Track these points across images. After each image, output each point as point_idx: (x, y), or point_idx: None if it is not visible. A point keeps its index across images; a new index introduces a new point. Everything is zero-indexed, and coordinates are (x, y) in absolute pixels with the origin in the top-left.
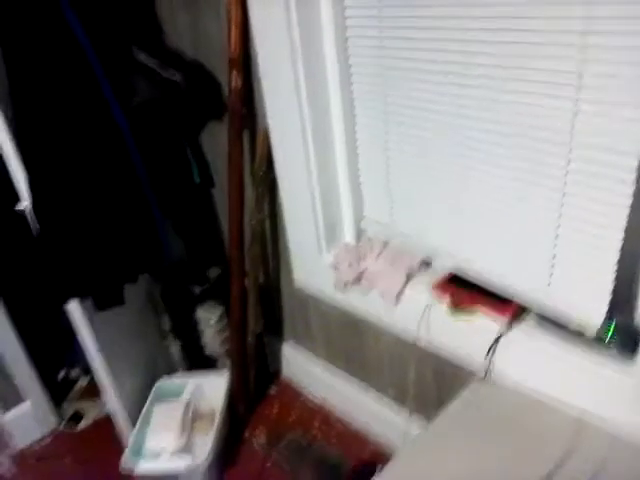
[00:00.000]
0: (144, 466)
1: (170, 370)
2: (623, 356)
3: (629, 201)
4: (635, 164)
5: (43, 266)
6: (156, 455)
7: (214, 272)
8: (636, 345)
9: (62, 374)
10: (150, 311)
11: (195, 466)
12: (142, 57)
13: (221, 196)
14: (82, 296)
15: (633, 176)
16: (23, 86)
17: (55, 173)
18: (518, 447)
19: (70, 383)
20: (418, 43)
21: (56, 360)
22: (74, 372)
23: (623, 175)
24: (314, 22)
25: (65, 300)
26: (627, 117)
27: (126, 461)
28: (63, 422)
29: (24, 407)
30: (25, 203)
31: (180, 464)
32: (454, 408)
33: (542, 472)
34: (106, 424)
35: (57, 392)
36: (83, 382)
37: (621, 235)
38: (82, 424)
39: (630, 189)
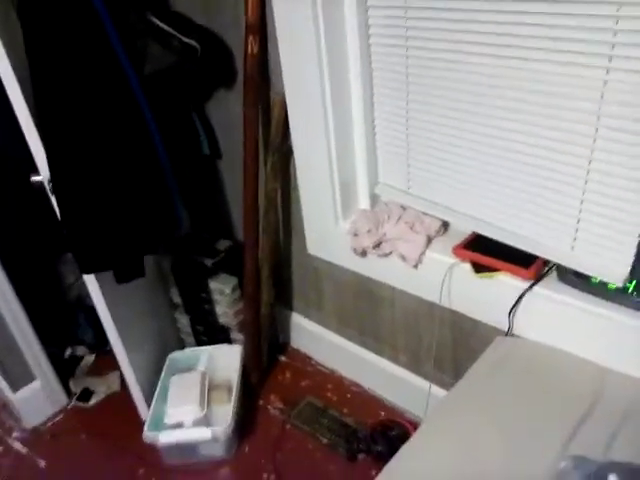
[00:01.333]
0: (166, 438)
1: (180, 344)
2: None
3: None
4: None
5: (65, 240)
6: (177, 426)
7: (222, 244)
8: None
9: (68, 352)
10: (160, 285)
11: (217, 435)
12: (157, 22)
13: (228, 167)
14: (104, 269)
15: None
16: (40, 54)
17: (73, 145)
18: (546, 400)
19: (76, 360)
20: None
21: (62, 338)
22: (80, 349)
23: None
24: None
25: (88, 272)
26: None
27: (147, 434)
28: (73, 399)
29: (34, 385)
30: (42, 176)
31: (202, 434)
32: (479, 367)
33: (571, 422)
34: (117, 399)
35: (64, 370)
36: (89, 359)
37: None
38: (93, 400)
39: None
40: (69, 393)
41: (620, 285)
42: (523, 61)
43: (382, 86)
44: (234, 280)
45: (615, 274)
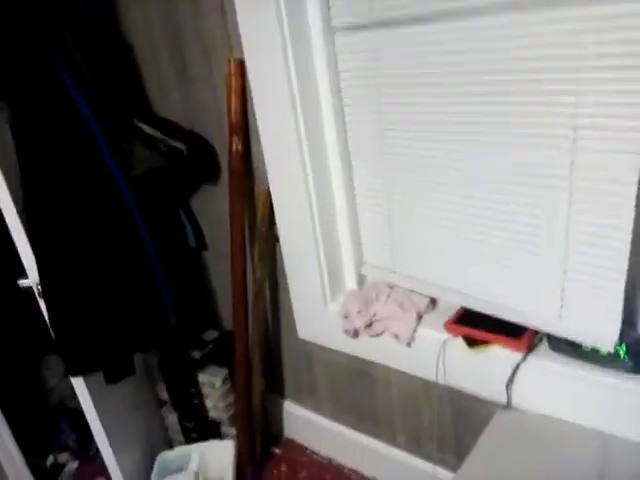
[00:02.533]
0: None
1: (168, 443)
2: (638, 371)
3: (631, 224)
4: (634, 194)
5: (53, 342)
6: None
7: (210, 335)
8: None
9: (50, 460)
10: (146, 382)
11: None
12: (144, 127)
13: (214, 258)
14: (94, 370)
15: (633, 202)
16: (30, 161)
17: (63, 249)
18: (553, 473)
19: (59, 468)
20: (417, 88)
21: (43, 445)
22: (62, 457)
23: (625, 201)
24: (312, 86)
25: (77, 374)
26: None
27: None
28: None
29: None
30: (30, 280)
31: None
32: (482, 444)
33: None
34: None
35: (46, 479)
36: (73, 466)
37: (627, 261)
38: None
39: (631, 212)
40: None
41: (610, 350)
42: (498, 146)
43: (362, 173)
44: (224, 371)
45: (605, 339)
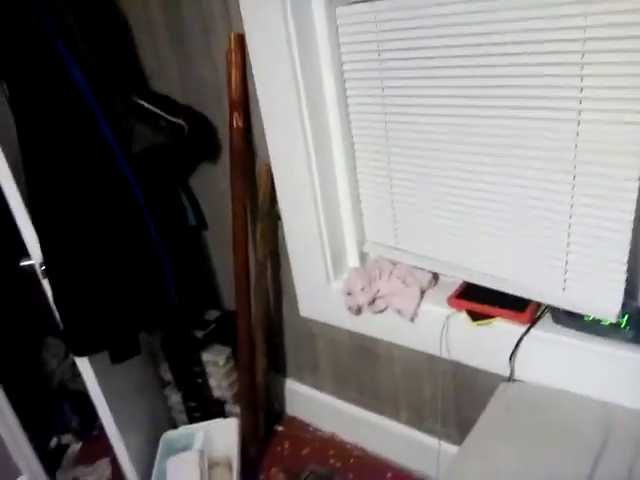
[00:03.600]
0: None
1: (172, 422)
2: (639, 341)
3: (635, 196)
4: (638, 162)
5: (59, 323)
6: None
7: (212, 314)
8: None
9: (54, 441)
10: (149, 362)
11: None
12: (143, 103)
13: (214, 237)
14: (100, 350)
15: (637, 173)
16: (30, 139)
17: (65, 227)
18: (558, 444)
19: (63, 450)
20: (417, 62)
21: (46, 427)
22: (66, 438)
23: (628, 172)
24: (314, 60)
25: (83, 355)
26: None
27: None
28: None
29: None
30: (33, 260)
31: None
32: (487, 416)
33: (588, 463)
34: None
35: (51, 461)
36: (76, 447)
37: (630, 232)
38: None
39: (635, 185)
40: None
41: (613, 321)
42: (502, 118)
43: (363, 150)
44: (227, 350)
45: (607, 311)
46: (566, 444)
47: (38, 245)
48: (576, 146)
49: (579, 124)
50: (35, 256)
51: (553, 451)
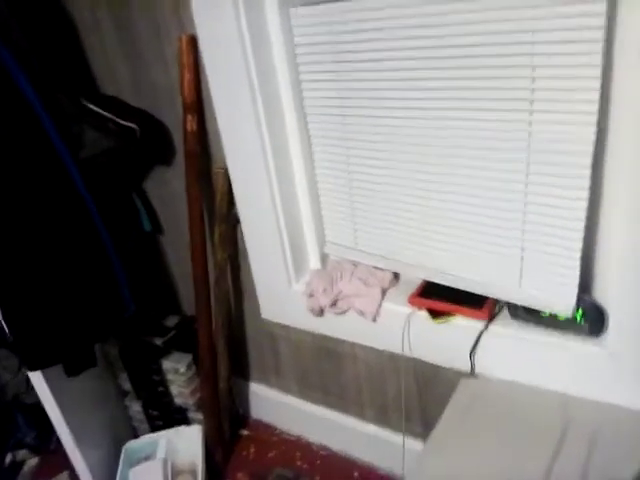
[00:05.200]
0: None
1: (133, 432)
2: (594, 334)
3: (587, 193)
4: (589, 161)
5: (6, 338)
6: None
7: (171, 320)
8: (604, 322)
9: (9, 458)
10: (107, 372)
11: None
12: (92, 107)
13: (170, 242)
14: (54, 363)
15: (588, 171)
16: None
17: (10, 237)
18: (518, 438)
19: (18, 466)
20: (372, 64)
21: (1, 441)
22: (21, 454)
23: (580, 171)
24: (268, 61)
25: (36, 369)
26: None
27: None
28: None
29: None
30: None
31: None
32: (449, 413)
33: (547, 455)
34: None
35: (6, 477)
36: (32, 462)
37: (582, 229)
38: None
39: (587, 182)
40: None
41: (569, 316)
42: (456, 113)
43: (322, 151)
44: (188, 357)
45: (562, 306)
46: (526, 438)
47: None
48: (529, 137)
49: (531, 114)
50: None
51: (513, 446)
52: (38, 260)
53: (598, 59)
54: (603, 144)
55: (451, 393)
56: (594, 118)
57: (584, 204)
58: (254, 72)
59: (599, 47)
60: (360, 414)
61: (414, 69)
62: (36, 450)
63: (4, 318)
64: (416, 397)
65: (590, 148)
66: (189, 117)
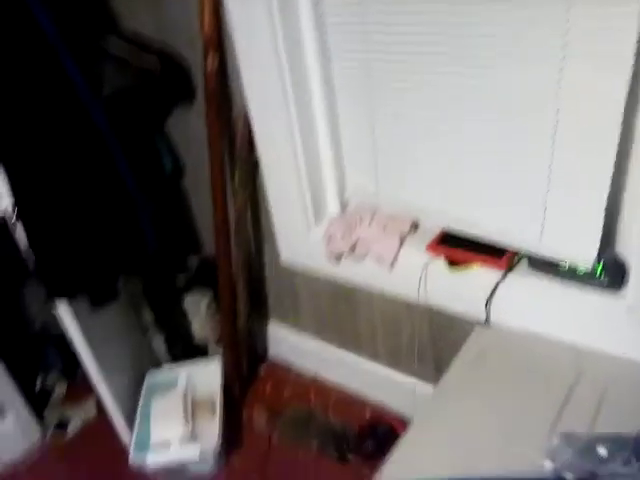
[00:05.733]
0: (154, 459)
1: (155, 364)
2: (614, 288)
3: (615, 146)
4: (620, 118)
5: (36, 267)
6: (164, 446)
7: (194, 260)
8: (623, 276)
9: (39, 383)
10: (131, 307)
11: (206, 452)
12: (112, 45)
13: (192, 184)
14: (78, 292)
15: (619, 121)
16: None
17: (37, 170)
18: (530, 385)
19: (48, 391)
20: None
21: (30, 370)
22: (50, 379)
23: (609, 122)
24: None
25: (62, 298)
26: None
27: (134, 457)
28: (49, 432)
29: (7, 421)
30: (4, 205)
31: (191, 452)
32: (461, 359)
33: (557, 402)
34: (96, 426)
35: (37, 402)
36: (61, 388)
37: (609, 182)
38: (70, 431)
39: (616, 134)
40: (44, 426)
41: (588, 268)
42: (485, 68)
43: (345, 93)
44: (209, 294)
45: (583, 258)
46: (536, 387)
47: (8, 187)
48: (558, 91)
49: (562, 70)
50: (5, 199)
51: (522, 394)
52: (63, 192)
53: None
54: (637, 97)
55: (465, 341)
56: (629, 64)
57: (612, 156)
58: (276, 6)
59: None
60: (374, 357)
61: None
62: (64, 377)
63: (30, 246)
64: (430, 343)
65: (622, 100)
66: (210, 55)
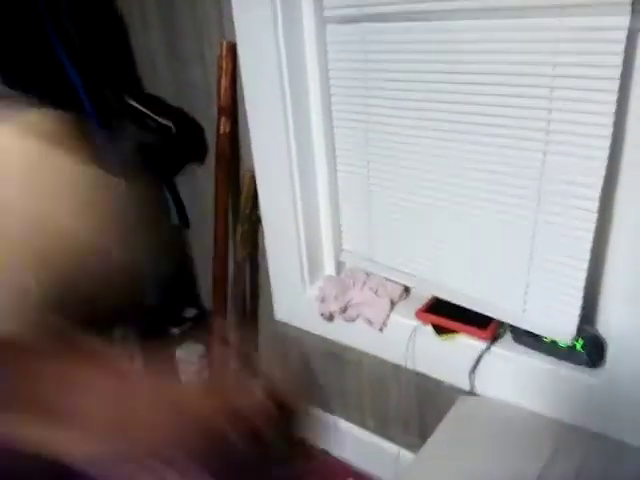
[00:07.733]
0: None
1: None
2: (592, 364)
3: (593, 226)
4: (597, 196)
5: None
6: None
7: (189, 312)
8: (603, 353)
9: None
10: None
11: None
12: (134, 103)
13: (196, 238)
14: None
15: (596, 204)
16: None
17: None
18: (508, 458)
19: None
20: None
21: None
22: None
23: (588, 203)
24: (302, 74)
25: None
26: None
27: None
28: None
29: None
30: None
31: None
32: (443, 427)
33: (531, 477)
34: None
35: None
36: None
37: (587, 261)
38: None
39: (594, 215)
40: None
41: (568, 343)
42: (469, 134)
43: (345, 162)
44: (201, 348)
45: (564, 333)
46: (514, 457)
47: None
48: (542, 164)
49: (545, 149)
50: None
51: (500, 462)
52: None
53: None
54: (614, 178)
55: (449, 408)
56: (605, 153)
57: (590, 237)
58: (287, 84)
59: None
60: (361, 421)
61: (437, 82)
62: None
63: None
64: (416, 410)
65: (600, 181)
66: (223, 120)
